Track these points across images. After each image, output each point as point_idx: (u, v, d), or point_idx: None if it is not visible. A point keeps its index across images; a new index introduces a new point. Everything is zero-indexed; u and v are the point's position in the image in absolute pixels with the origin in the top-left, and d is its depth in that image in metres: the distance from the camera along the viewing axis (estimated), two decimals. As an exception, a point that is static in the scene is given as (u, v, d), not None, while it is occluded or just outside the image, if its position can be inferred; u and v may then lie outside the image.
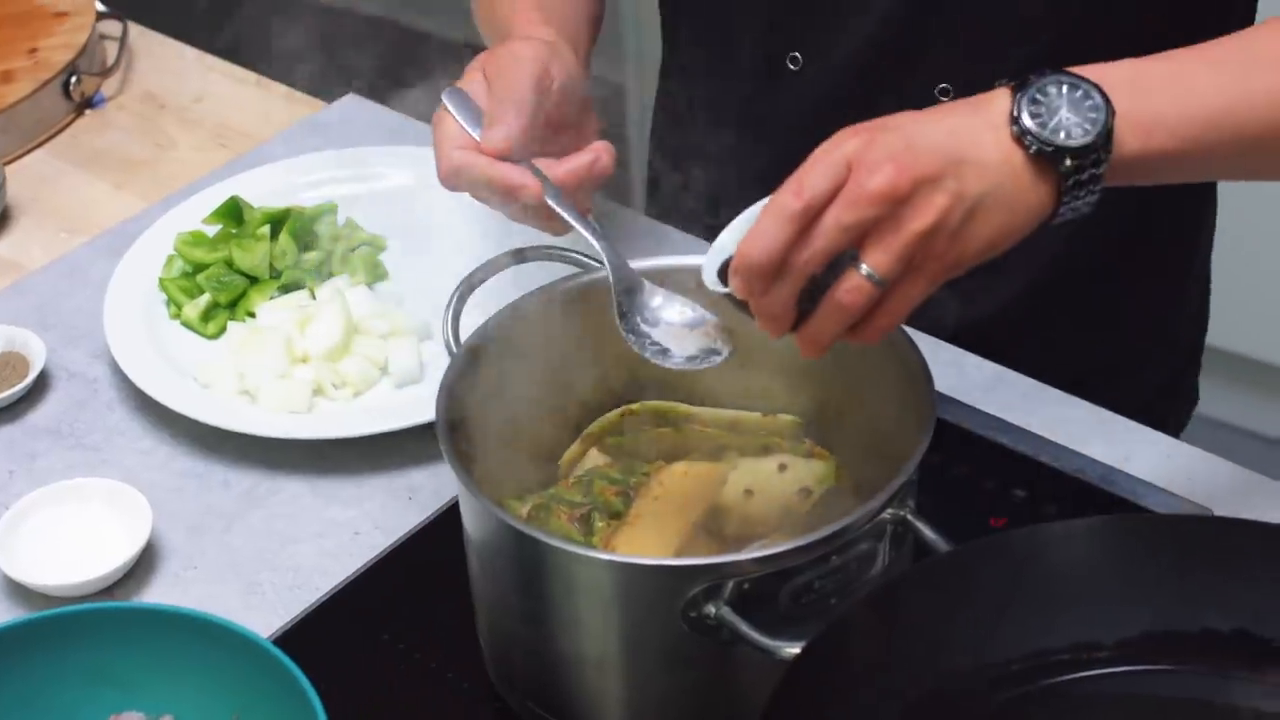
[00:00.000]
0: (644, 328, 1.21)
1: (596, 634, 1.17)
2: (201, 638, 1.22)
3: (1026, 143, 1.09)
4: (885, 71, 1.47)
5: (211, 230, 1.64)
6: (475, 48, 1.54)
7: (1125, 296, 1.58)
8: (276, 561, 1.39)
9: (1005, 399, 1.47)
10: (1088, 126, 1.09)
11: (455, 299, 1.32)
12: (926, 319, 1.30)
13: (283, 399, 1.48)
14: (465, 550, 1.25)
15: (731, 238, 1.12)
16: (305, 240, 1.62)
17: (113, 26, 1.95)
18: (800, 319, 1.11)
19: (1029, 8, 1.42)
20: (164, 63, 1.95)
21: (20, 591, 1.37)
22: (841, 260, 1.09)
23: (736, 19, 1.53)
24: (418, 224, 1.65)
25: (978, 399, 1.46)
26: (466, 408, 1.25)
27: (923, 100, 1.43)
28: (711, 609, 1.11)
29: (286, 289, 1.60)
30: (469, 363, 1.27)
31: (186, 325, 1.57)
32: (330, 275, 1.61)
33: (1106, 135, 1.10)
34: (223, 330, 1.57)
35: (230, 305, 1.58)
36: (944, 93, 1.45)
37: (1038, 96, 1.10)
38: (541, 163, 1.29)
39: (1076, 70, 1.11)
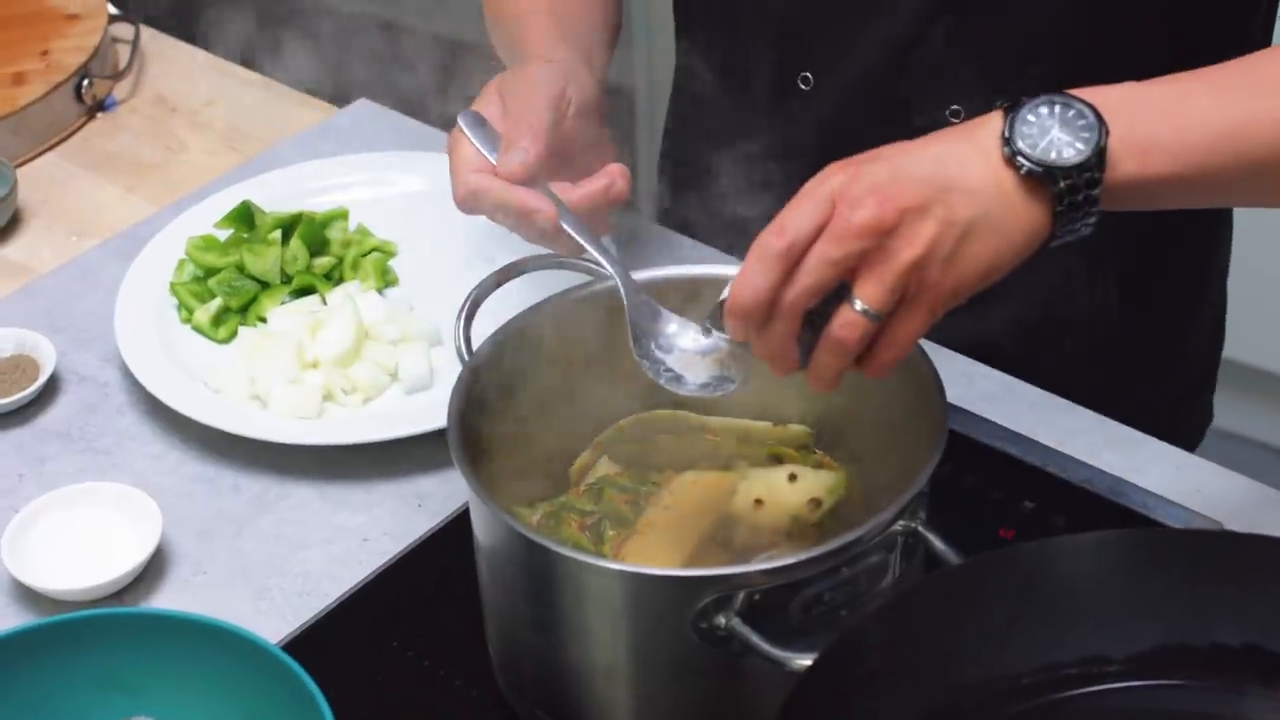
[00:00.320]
0: (658, 354, 1.21)
1: (606, 643, 1.17)
2: (211, 643, 1.22)
3: (1018, 164, 1.09)
4: (895, 92, 1.46)
5: (223, 235, 1.64)
6: (489, 52, 1.54)
7: (1140, 313, 1.58)
8: (286, 567, 1.39)
9: (1014, 410, 1.46)
10: (1080, 146, 1.08)
11: (467, 306, 1.32)
12: (938, 333, 1.29)
13: (293, 404, 1.48)
14: (475, 558, 1.25)
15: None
16: (316, 245, 1.63)
17: (125, 29, 1.95)
18: (807, 355, 1.12)
19: (1040, 30, 1.42)
20: (175, 66, 1.95)
21: (30, 596, 1.37)
22: (840, 296, 1.09)
23: (748, 39, 1.53)
24: (429, 230, 1.65)
25: (987, 410, 1.46)
26: (478, 415, 1.25)
27: (934, 121, 1.43)
28: (722, 620, 1.11)
29: (297, 294, 1.60)
30: (480, 370, 1.27)
31: (197, 330, 1.57)
32: (341, 281, 1.61)
33: (1099, 155, 1.08)
34: (234, 335, 1.57)
35: (241, 310, 1.58)
36: (955, 114, 1.45)
37: (1030, 117, 1.10)
38: (557, 186, 1.29)
39: (1073, 91, 1.11)
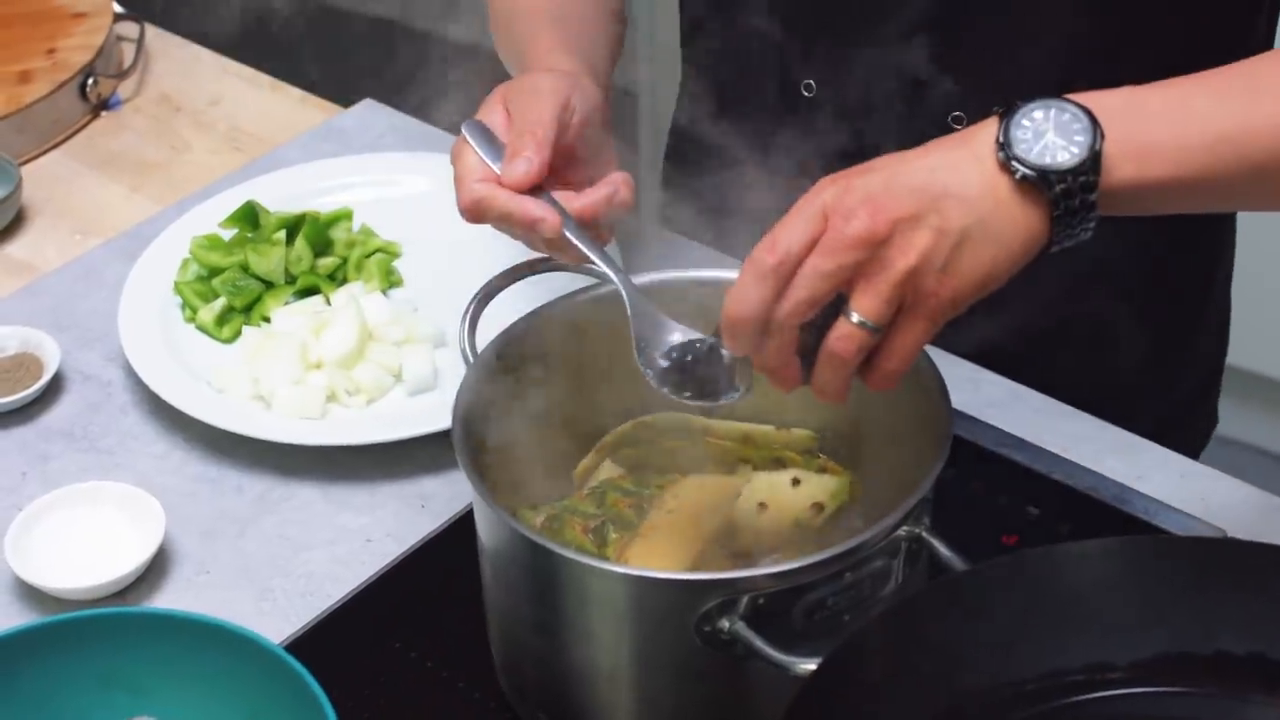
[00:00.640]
0: (662, 363, 1.21)
1: (609, 646, 1.17)
2: (214, 643, 1.21)
3: (1012, 168, 1.08)
4: (897, 99, 1.46)
5: (227, 234, 1.64)
6: (494, 54, 1.54)
7: (1144, 319, 1.58)
8: (289, 568, 1.39)
9: (1019, 416, 1.46)
10: (1074, 149, 1.08)
11: (472, 308, 1.32)
12: (942, 339, 1.29)
13: (297, 405, 1.48)
14: (478, 559, 1.25)
15: None
16: (321, 246, 1.63)
17: (130, 28, 1.95)
18: (810, 369, 1.12)
19: (1041, 36, 1.42)
20: (180, 65, 1.95)
21: (32, 594, 1.37)
22: (838, 310, 1.09)
23: (751, 46, 1.53)
24: (433, 231, 1.65)
25: (991, 415, 1.46)
26: (482, 417, 1.25)
27: (936, 128, 1.43)
28: (726, 623, 1.11)
29: (302, 294, 1.60)
30: (485, 372, 1.27)
31: (201, 329, 1.57)
32: (345, 281, 1.61)
33: (1094, 158, 1.08)
34: (237, 335, 1.57)
35: (245, 310, 1.58)
36: (957, 120, 1.45)
37: (1024, 122, 1.09)
38: (561, 195, 1.29)
39: (1070, 96, 1.10)
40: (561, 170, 1.32)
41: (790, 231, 1.09)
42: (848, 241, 1.07)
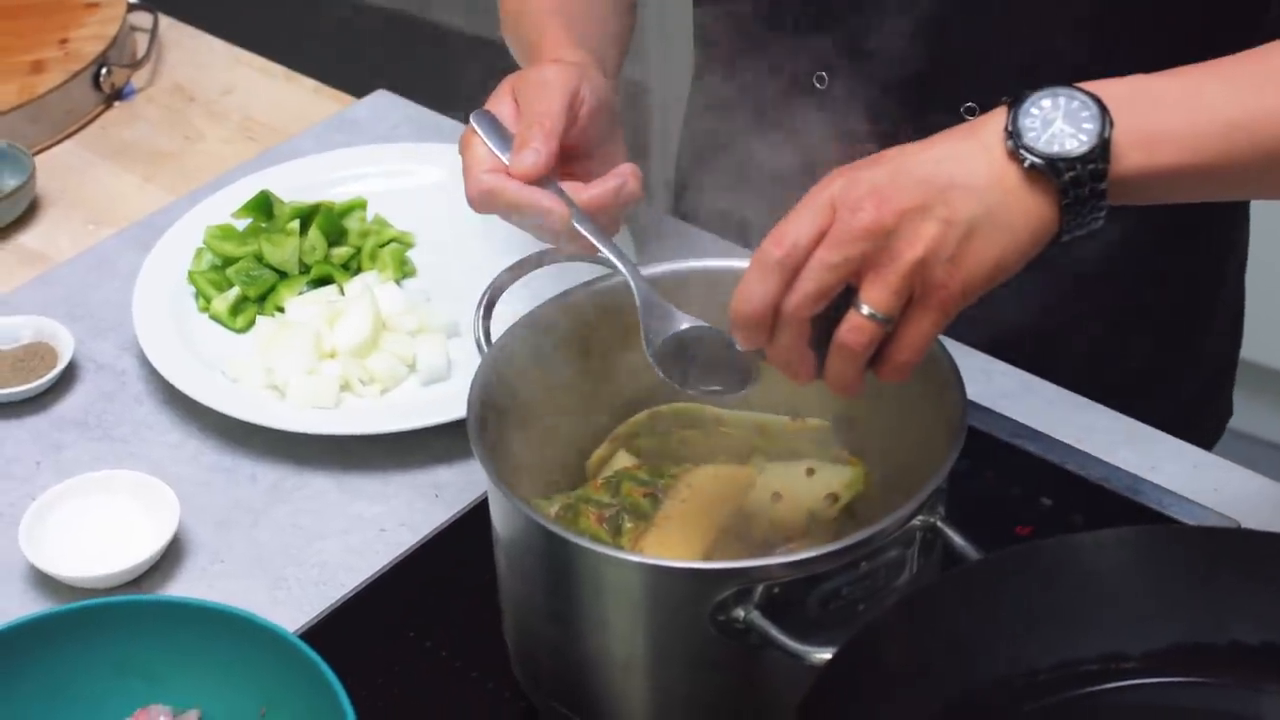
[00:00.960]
0: (671, 356, 1.22)
1: (624, 636, 1.17)
2: (229, 631, 1.22)
3: (1020, 157, 1.08)
4: (910, 91, 1.46)
5: (241, 224, 1.64)
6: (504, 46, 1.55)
7: (1157, 310, 1.58)
8: (302, 557, 1.39)
9: (1032, 407, 1.46)
10: (1082, 137, 1.08)
11: (486, 298, 1.32)
12: (954, 330, 1.30)
13: (310, 394, 1.48)
14: (492, 549, 1.25)
15: None
16: (335, 235, 1.63)
17: (143, 18, 1.96)
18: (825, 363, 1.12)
19: (1053, 26, 1.42)
20: (194, 55, 1.96)
21: (47, 583, 1.37)
22: (849, 301, 1.09)
23: (763, 38, 1.53)
24: (447, 221, 1.65)
25: (1005, 406, 1.46)
26: (496, 406, 1.25)
27: (949, 119, 1.43)
28: (741, 613, 1.11)
29: (315, 284, 1.60)
30: (500, 361, 1.27)
31: (215, 319, 1.58)
32: (359, 271, 1.61)
33: (1103, 146, 1.08)
34: (251, 324, 1.57)
35: (259, 299, 1.58)
36: (970, 111, 1.45)
37: (1033, 110, 1.09)
38: (569, 186, 1.29)
39: (1080, 84, 1.10)
40: (570, 161, 1.32)
41: (797, 224, 1.09)
42: (854, 233, 1.07)
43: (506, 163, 1.29)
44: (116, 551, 1.37)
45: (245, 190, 1.67)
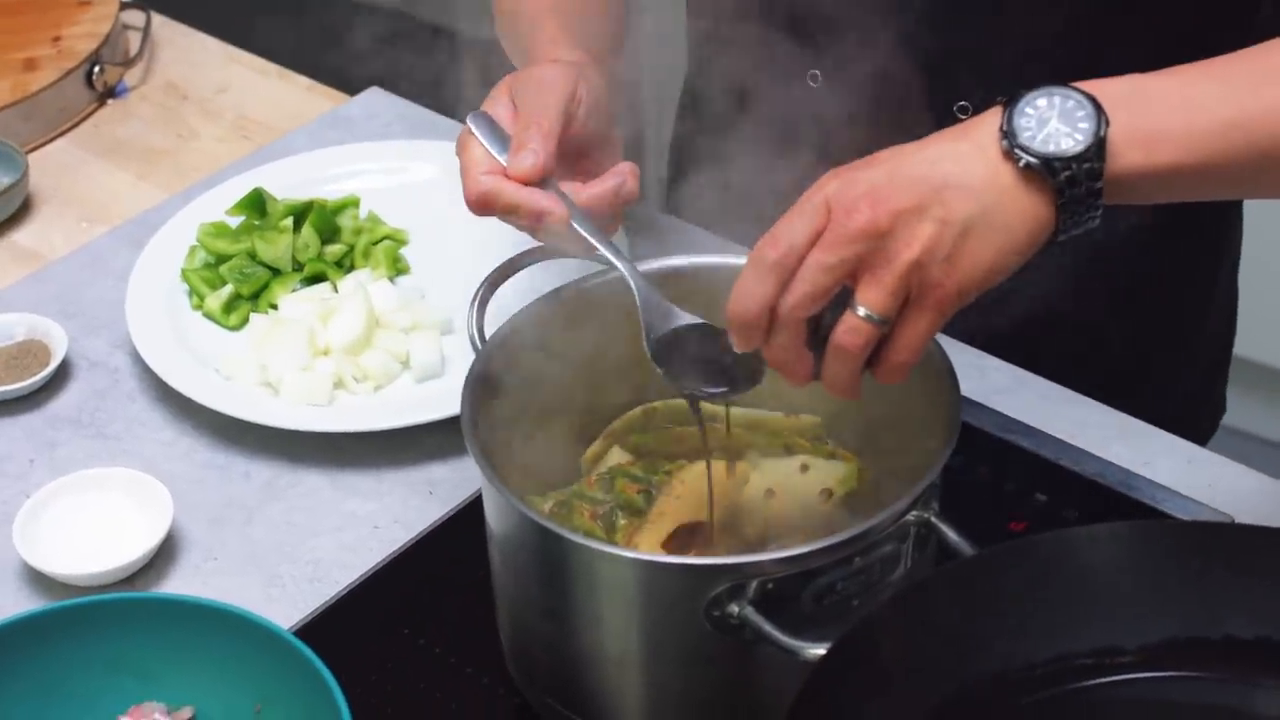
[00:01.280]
0: (672, 355, 1.22)
1: (618, 631, 1.17)
2: (223, 629, 1.22)
3: (1016, 156, 1.08)
4: (903, 90, 1.46)
5: (234, 221, 1.64)
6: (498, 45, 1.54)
7: (1150, 306, 1.58)
8: (297, 554, 1.39)
9: (1026, 402, 1.46)
10: (1078, 136, 1.07)
11: (480, 294, 1.32)
12: (948, 326, 1.29)
13: (304, 391, 1.48)
14: (486, 545, 1.25)
15: None
16: (328, 233, 1.63)
17: (136, 16, 1.95)
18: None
19: (1046, 26, 1.42)
20: (186, 53, 1.95)
21: (41, 580, 1.37)
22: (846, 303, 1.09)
23: (757, 37, 1.53)
24: (440, 218, 1.65)
25: (999, 402, 1.46)
26: (490, 403, 1.25)
27: (942, 119, 1.43)
28: (735, 608, 1.11)
29: (309, 281, 1.60)
30: (494, 358, 1.27)
31: (208, 316, 1.57)
32: (353, 268, 1.61)
33: (1099, 145, 1.07)
34: (245, 322, 1.57)
35: (252, 297, 1.58)
36: (963, 110, 1.45)
37: (1028, 110, 1.09)
38: (567, 185, 1.29)
39: (1076, 83, 1.10)
40: (567, 160, 1.32)
41: (792, 226, 1.09)
42: (849, 234, 1.07)
43: (504, 164, 1.28)
44: (110, 549, 1.37)
45: (238, 188, 1.67)
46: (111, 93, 1.89)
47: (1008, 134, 1.08)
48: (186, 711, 1.23)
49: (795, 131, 1.52)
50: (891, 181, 1.08)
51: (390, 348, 1.52)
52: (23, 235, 1.73)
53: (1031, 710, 1.08)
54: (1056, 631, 1.08)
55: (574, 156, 1.33)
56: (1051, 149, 1.07)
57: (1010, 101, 1.09)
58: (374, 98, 1.85)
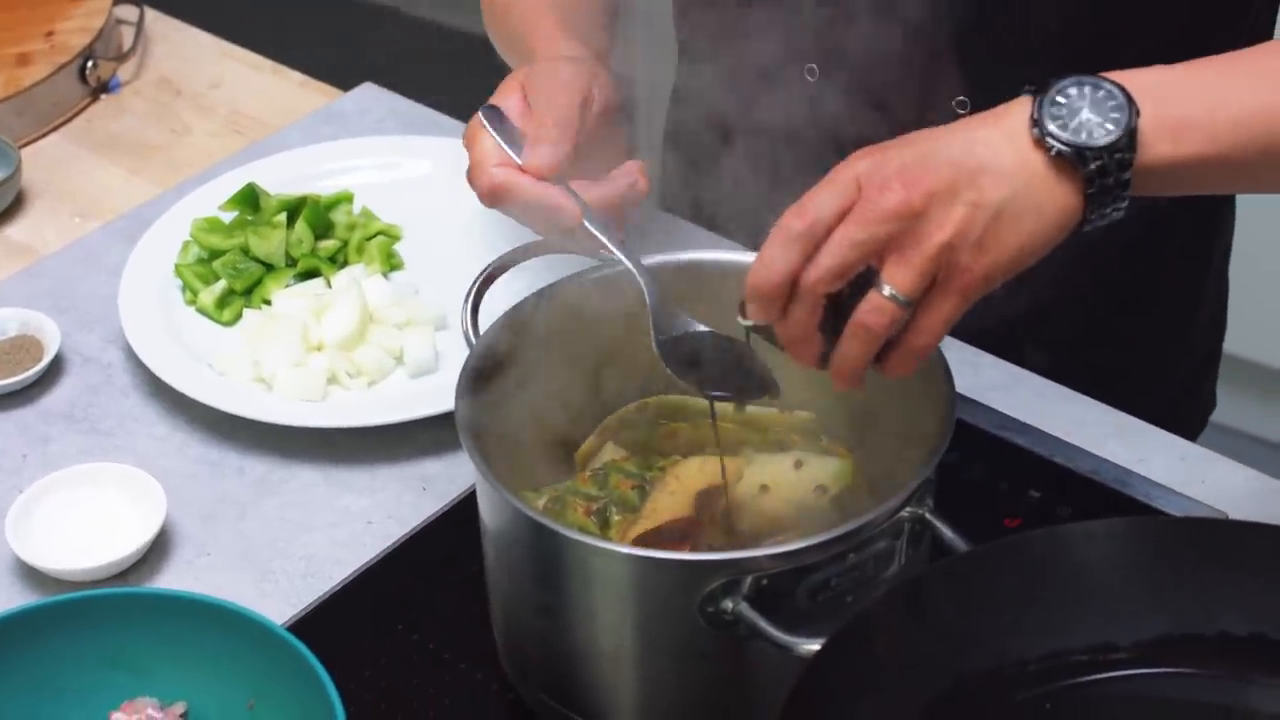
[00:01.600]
0: (680, 357, 1.22)
1: (612, 627, 1.17)
2: (216, 624, 1.22)
3: (1048, 144, 1.08)
4: (902, 84, 1.46)
5: (228, 217, 1.64)
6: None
7: (1142, 305, 1.58)
8: (290, 550, 1.39)
9: (1021, 399, 1.46)
10: (1109, 126, 1.08)
11: (474, 290, 1.32)
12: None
13: (298, 387, 1.47)
14: (479, 541, 1.25)
15: None
16: (321, 228, 1.62)
17: (129, 11, 1.95)
18: (826, 359, 1.12)
19: (1045, 21, 1.42)
20: (180, 48, 1.95)
21: (33, 575, 1.37)
22: (866, 288, 1.08)
23: (753, 33, 1.52)
24: (434, 213, 1.65)
25: (993, 399, 1.46)
26: (484, 398, 1.25)
27: (940, 112, 1.43)
28: (729, 604, 1.11)
29: (302, 277, 1.60)
30: (488, 353, 1.26)
31: (202, 311, 1.57)
32: (346, 264, 1.61)
33: (1130, 136, 1.08)
34: (238, 317, 1.57)
35: (246, 292, 1.58)
36: (961, 105, 1.45)
37: (1059, 99, 1.09)
38: (576, 184, 1.29)
39: (1103, 74, 1.11)
40: (578, 159, 1.31)
41: (821, 199, 1.08)
42: (882, 213, 1.07)
43: (516, 159, 1.28)
44: (103, 544, 1.37)
45: (232, 183, 1.67)
46: (105, 88, 1.88)
47: (1038, 122, 1.08)
48: (179, 707, 1.23)
49: (792, 124, 1.52)
50: (925, 163, 1.08)
51: (384, 343, 1.52)
52: (15, 230, 1.72)
53: (1026, 707, 1.08)
54: (1051, 628, 1.08)
55: (582, 155, 1.32)
56: (1083, 138, 1.08)
57: (1039, 90, 1.10)
58: (367, 93, 1.85)
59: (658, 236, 1.62)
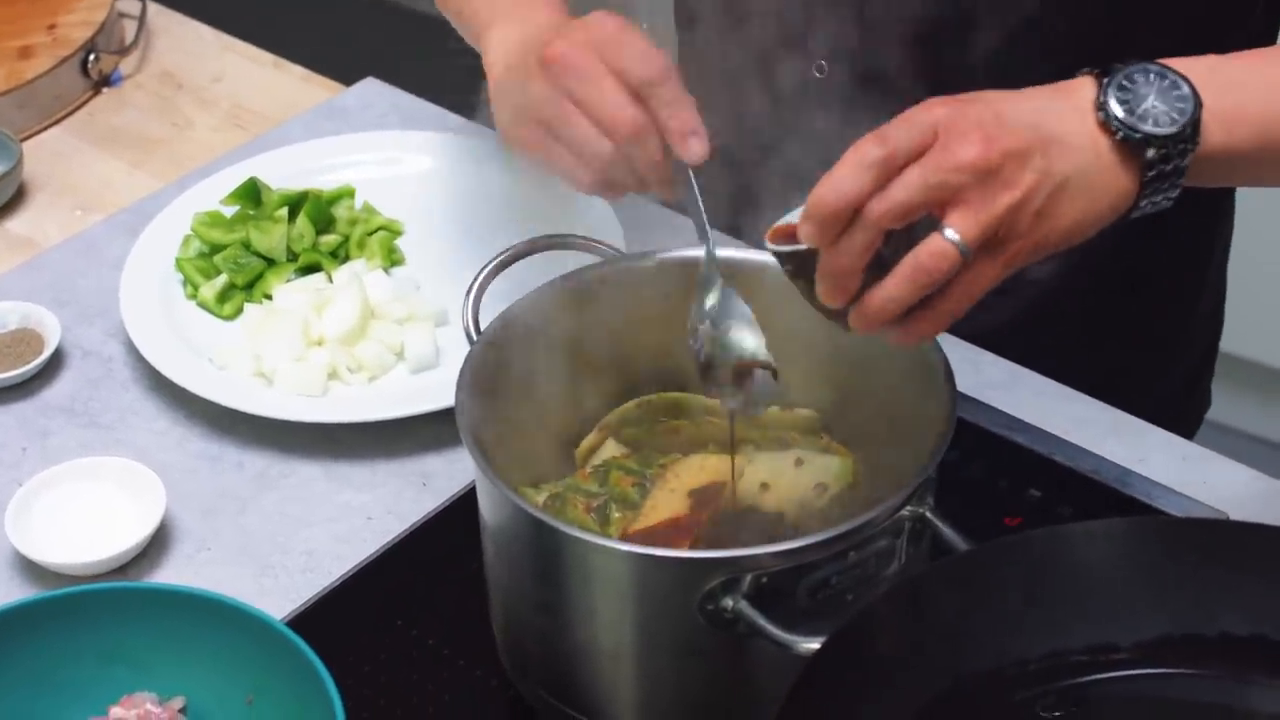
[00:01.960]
0: (711, 336, 1.22)
1: (612, 624, 1.17)
2: (215, 619, 1.21)
3: (1113, 127, 1.09)
4: (910, 81, 1.46)
5: (229, 211, 1.64)
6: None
7: (1140, 303, 1.58)
8: (289, 545, 1.39)
9: (1021, 398, 1.46)
10: (1175, 115, 1.09)
11: (476, 286, 1.32)
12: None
13: (298, 382, 1.47)
14: (479, 538, 1.25)
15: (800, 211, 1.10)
16: (323, 223, 1.62)
17: (131, 5, 1.95)
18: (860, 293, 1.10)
19: (1052, 20, 1.42)
20: (182, 42, 1.95)
21: (33, 569, 1.37)
22: (917, 235, 1.07)
23: (761, 30, 1.52)
24: (435, 209, 1.65)
25: (994, 398, 1.46)
26: (485, 394, 1.24)
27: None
28: (729, 602, 1.11)
29: (303, 272, 1.60)
30: (489, 349, 1.26)
31: (203, 306, 1.57)
32: (347, 259, 1.61)
33: (1194, 126, 1.10)
34: (239, 312, 1.57)
35: (247, 287, 1.58)
36: None
37: (1125, 84, 1.10)
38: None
39: (1162, 61, 1.11)
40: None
41: (902, 133, 1.07)
42: (958, 163, 1.06)
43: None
44: (102, 539, 1.37)
45: (233, 177, 1.66)
46: (106, 81, 1.88)
47: (1103, 105, 1.09)
48: (178, 701, 1.23)
49: (800, 121, 1.51)
50: (1002, 122, 1.07)
51: (385, 339, 1.52)
52: (17, 223, 1.72)
53: (1026, 707, 1.08)
54: (1051, 627, 1.08)
55: None
56: (1150, 127, 1.09)
57: (1105, 73, 1.11)
58: (370, 88, 1.85)
59: (657, 232, 1.61)
